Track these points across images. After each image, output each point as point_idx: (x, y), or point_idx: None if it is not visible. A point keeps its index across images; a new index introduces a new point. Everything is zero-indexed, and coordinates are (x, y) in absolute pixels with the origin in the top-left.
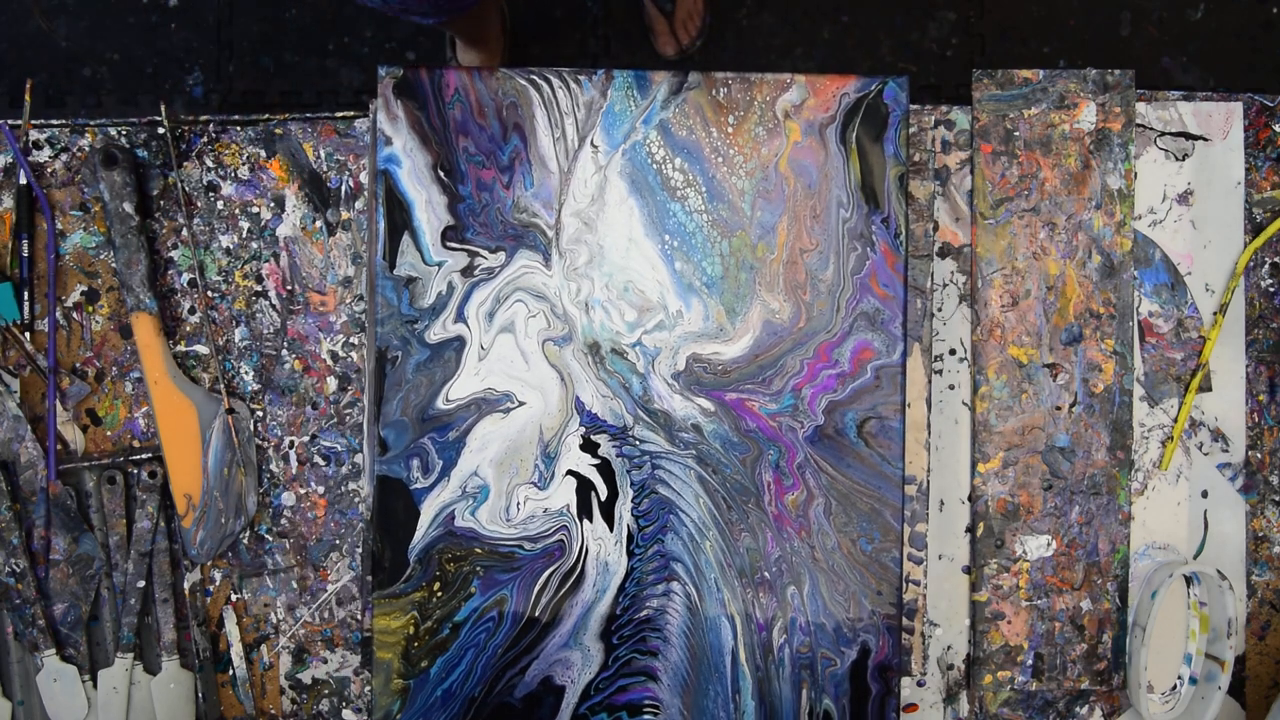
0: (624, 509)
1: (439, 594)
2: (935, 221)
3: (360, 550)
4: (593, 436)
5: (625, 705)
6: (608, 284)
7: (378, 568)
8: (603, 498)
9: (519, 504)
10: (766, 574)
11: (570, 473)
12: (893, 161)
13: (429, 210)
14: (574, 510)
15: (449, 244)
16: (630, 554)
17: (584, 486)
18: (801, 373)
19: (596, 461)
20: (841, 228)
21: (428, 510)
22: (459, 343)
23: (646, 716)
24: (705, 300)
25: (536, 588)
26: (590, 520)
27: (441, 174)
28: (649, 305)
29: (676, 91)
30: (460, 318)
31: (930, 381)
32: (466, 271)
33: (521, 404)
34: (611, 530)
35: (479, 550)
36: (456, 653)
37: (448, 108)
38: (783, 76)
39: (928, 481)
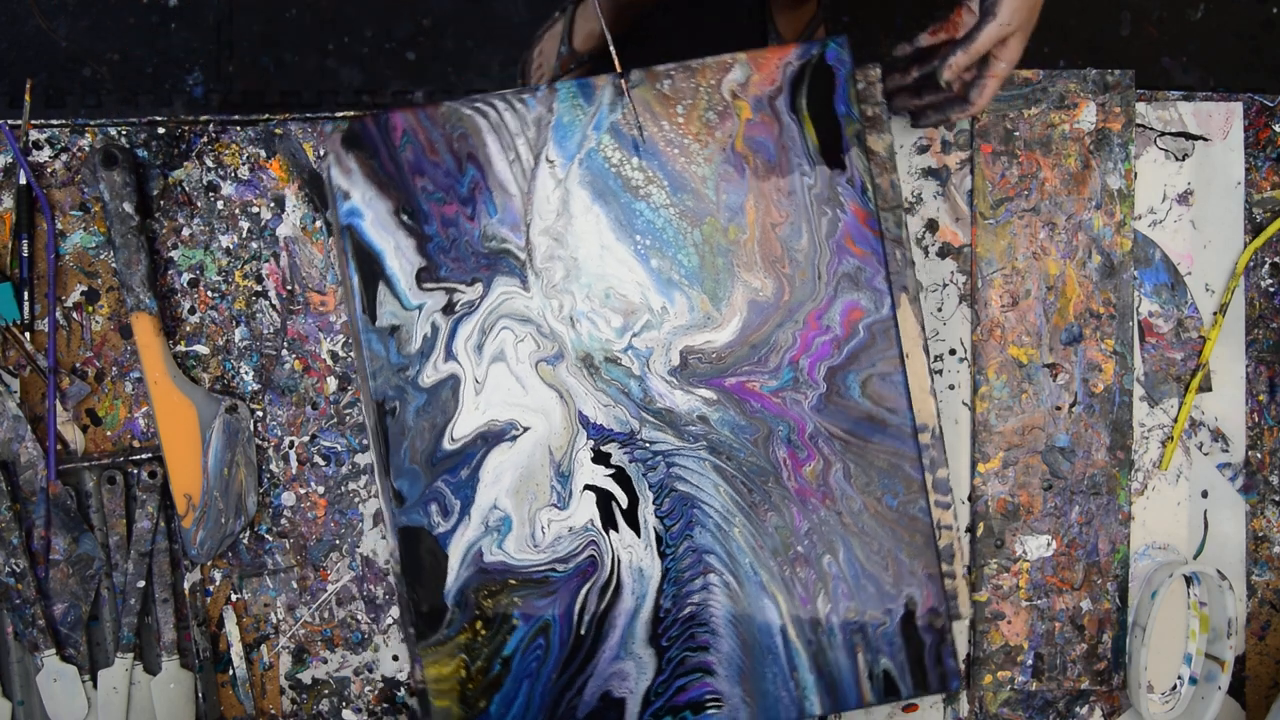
0: (647, 513)
1: (483, 632)
2: (935, 221)
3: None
4: (602, 447)
5: (688, 705)
6: (588, 294)
7: (417, 618)
8: (624, 506)
9: (543, 528)
10: (799, 548)
11: (588, 487)
12: (847, 120)
13: (399, 256)
14: (598, 524)
15: (425, 285)
16: (662, 555)
17: (604, 498)
18: (795, 345)
19: (611, 471)
20: (808, 195)
21: (455, 551)
22: (454, 381)
23: (710, 711)
24: (687, 292)
25: (577, 606)
26: (616, 530)
27: (405, 218)
28: (633, 308)
29: (621, 92)
30: (450, 356)
31: (924, 328)
32: (447, 309)
33: (526, 429)
34: (639, 536)
35: (513, 581)
36: (512, 686)
37: (399, 151)
38: (724, 58)
39: (939, 427)
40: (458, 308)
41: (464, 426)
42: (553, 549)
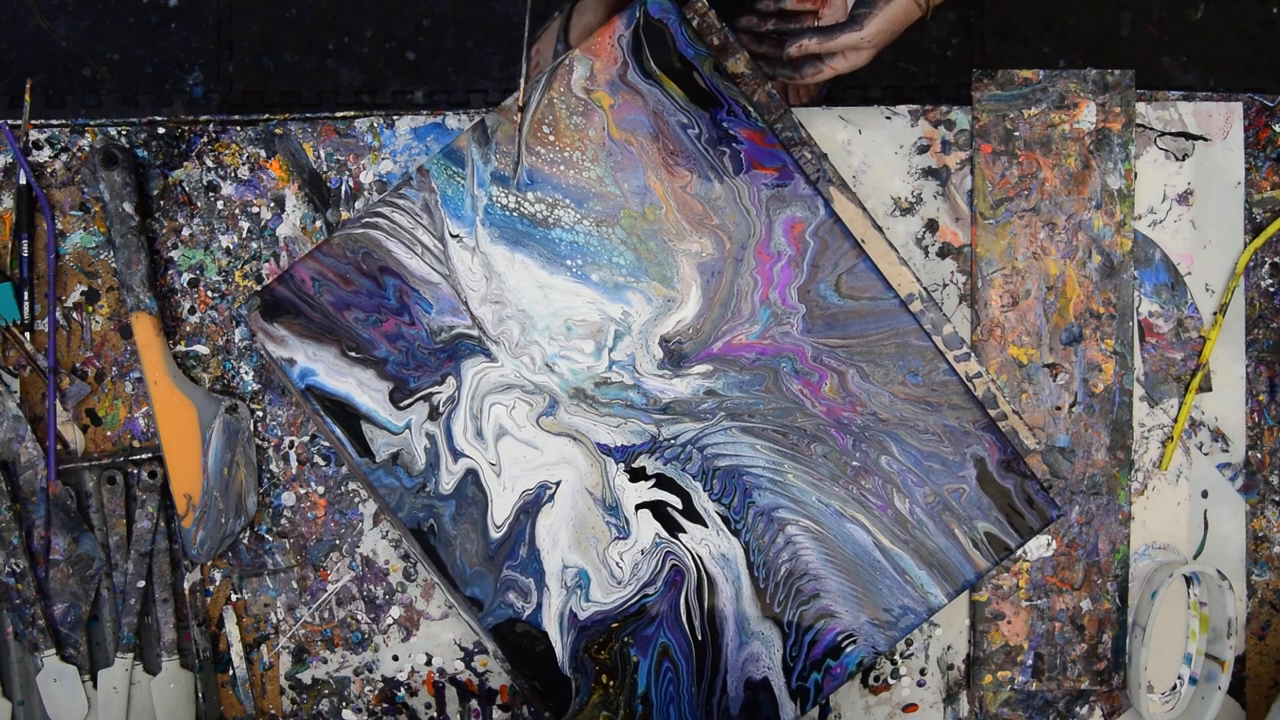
0: (703, 502)
1: (610, 684)
2: (935, 221)
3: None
4: (634, 465)
5: (825, 653)
6: (551, 336)
7: (547, 702)
8: (679, 506)
9: (618, 563)
10: (854, 462)
11: (639, 507)
12: (698, 60)
13: (365, 391)
14: (665, 534)
15: (402, 404)
16: (735, 533)
17: (658, 509)
18: (758, 284)
19: (652, 482)
20: (699, 144)
21: (550, 625)
22: (472, 475)
23: (848, 649)
24: (638, 287)
25: (683, 617)
26: (684, 531)
27: (353, 354)
28: (597, 327)
29: (485, 141)
30: (457, 455)
31: (864, 209)
32: (433, 415)
33: (559, 484)
34: (706, 527)
35: (615, 624)
36: (660, 718)
37: (318, 298)
38: (560, 62)
39: (925, 290)
40: (441, 408)
41: (501, 510)
42: (636, 578)
